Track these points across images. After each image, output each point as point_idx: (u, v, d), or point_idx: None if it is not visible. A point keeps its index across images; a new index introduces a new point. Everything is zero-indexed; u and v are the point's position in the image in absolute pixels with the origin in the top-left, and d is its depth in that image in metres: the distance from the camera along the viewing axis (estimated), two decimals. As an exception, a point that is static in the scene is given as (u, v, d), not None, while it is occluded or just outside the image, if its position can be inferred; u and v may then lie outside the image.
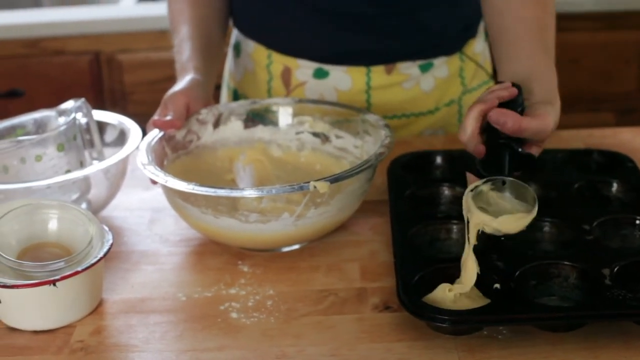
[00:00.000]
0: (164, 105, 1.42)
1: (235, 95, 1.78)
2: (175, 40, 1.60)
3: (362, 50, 1.63)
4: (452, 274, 1.17)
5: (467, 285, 1.14)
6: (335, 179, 1.23)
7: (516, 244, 1.23)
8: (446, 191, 1.38)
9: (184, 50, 1.56)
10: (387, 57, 1.64)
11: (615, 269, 1.14)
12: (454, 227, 1.27)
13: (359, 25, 1.60)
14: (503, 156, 1.19)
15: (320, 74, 1.65)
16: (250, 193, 1.23)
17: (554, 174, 1.40)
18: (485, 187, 1.17)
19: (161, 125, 1.39)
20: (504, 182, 1.18)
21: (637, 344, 1.09)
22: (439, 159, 1.48)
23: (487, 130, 1.19)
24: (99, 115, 1.47)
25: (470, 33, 1.70)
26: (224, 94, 1.83)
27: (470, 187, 1.18)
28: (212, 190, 1.22)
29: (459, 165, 1.45)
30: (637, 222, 1.27)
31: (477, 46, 1.73)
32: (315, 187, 1.21)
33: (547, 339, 1.10)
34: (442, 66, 1.68)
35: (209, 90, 1.54)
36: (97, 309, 1.20)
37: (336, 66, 1.64)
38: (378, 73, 1.64)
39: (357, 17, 1.59)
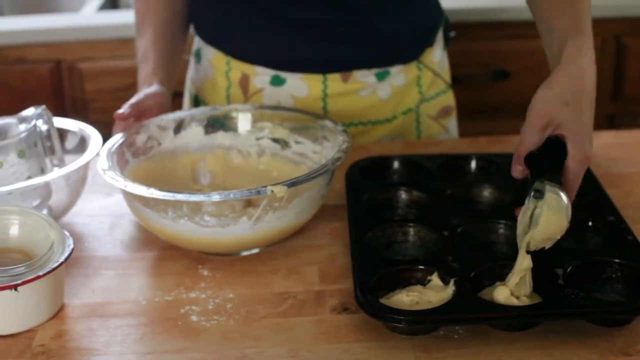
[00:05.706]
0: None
1: (196, 102, 1.79)
2: (139, 43, 1.63)
3: (318, 57, 1.63)
4: (408, 276, 1.19)
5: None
6: (292, 183, 1.24)
7: (472, 245, 1.25)
8: (403, 195, 1.39)
9: (148, 60, 1.59)
10: (343, 64, 1.64)
11: (569, 269, 1.17)
12: (411, 229, 1.29)
13: (315, 33, 1.60)
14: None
15: (277, 81, 1.66)
16: (208, 198, 1.24)
17: (509, 178, 1.42)
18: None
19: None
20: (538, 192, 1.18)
21: (590, 342, 1.11)
22: (396, 164, 1.49)
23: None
24: (60, 122, 1.47)
25: (427, 42, 1.71)
26: (186, 100, 1.84)
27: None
28: (171, 194, 1.23)
29: (416, 169, 1.47)
30: (590, 223, 1.30)
31: (435, 55, 1.73)
32: (272, 191, 1.22)
33: (502, 338, 1.12)
34: (399, 74, 1.68)
35: (170, 102, 1.56)
36: (59, 313, 1.20)
37: (292, 73, 1.64)
38: (334, 81, 1.65)
39: (313, 24, 1.60)
